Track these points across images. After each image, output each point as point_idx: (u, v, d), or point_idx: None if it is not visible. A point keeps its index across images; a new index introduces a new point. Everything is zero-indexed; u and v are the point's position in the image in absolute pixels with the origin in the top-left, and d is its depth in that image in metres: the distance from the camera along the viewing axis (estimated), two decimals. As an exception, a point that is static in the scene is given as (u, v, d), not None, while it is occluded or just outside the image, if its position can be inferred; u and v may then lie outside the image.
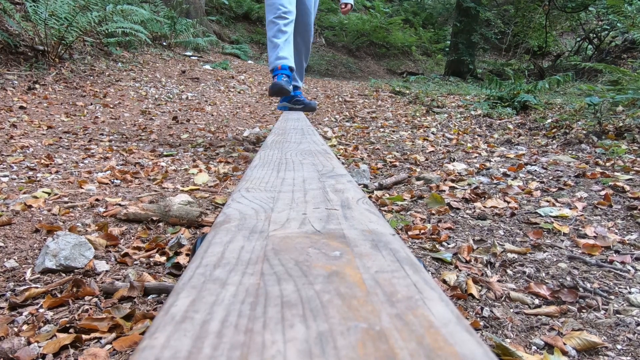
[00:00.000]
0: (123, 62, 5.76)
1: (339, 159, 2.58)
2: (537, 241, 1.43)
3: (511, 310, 1.04)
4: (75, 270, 1.17)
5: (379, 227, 0.47)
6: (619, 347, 0.90)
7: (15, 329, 0.92)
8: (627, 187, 1.93)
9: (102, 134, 3.27)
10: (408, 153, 2.88)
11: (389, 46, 12.47)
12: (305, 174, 0.80)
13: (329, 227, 0.46)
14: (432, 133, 3.65)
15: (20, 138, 2.88)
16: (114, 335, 0.90)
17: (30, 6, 4.44)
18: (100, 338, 0.90)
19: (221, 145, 3.13)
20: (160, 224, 1.53)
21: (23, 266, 1.19)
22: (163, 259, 1.26)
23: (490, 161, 2.63)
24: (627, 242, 1.42)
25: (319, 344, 0.24)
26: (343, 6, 3.03)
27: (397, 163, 2.58)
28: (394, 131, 3.75)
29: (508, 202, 1.82)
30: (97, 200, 1.74)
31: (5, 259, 1.21)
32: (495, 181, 2.17)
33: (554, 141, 3.20)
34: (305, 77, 8.73)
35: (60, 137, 3.03)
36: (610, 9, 5.50)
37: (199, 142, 3.18)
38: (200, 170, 2.32)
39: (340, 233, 0.44)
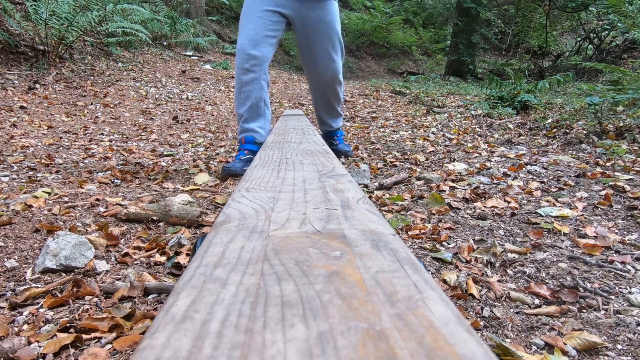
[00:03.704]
0: (123, 61, 5.76)
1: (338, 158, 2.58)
2: (538, 241, 1.43)
3: (511, 310, 1.04)
4: (76, 270, 1.17)
5: (379, 227, 0.47)
6: (619, 347, 0.90)
7: (16, 329, 0.93)
8: (628, 187, 1.93)
9: (102, 134, 3.27)
10: (408, 153, 2.88)
11: (389, 46, 12.46)
12: (305, 173, 0.80)
13: (329, 227, 0.46)
14: (433, 133, 3.65)
15: (21, 138, 2.88)
16: (114, 335, 0.90)
17: (31, 6, 4.44)
18: (101, 338, 0.90)
19: (221, 145, 3.13)
20: (161, 223, 1.53)
21: (23, 266, 1.19)
22: (163, 258, 1.26)
23: (490, 161, 2.63)
24: (628, 242, 1.42)
25: (319, 344, 0.24)
26: None
27: (398, 163, 2.58)
28: (394, 131, 3.75)
29: (508, 202, 1.82)
30: (97, 200, 1.74)
31: (6, 259, 1.21)
32: (495, 181, 2.17)
33: (554, 141, 3.20)
34: (305, 77, 8.73)
35: (61, 137, 3.03)
36: (610, 8, 5.50)
37: (199, 142, 3.18)
38: (201, 170, 2.32)
39: (341, 233, 0.44)
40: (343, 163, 2.51)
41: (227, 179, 2.06)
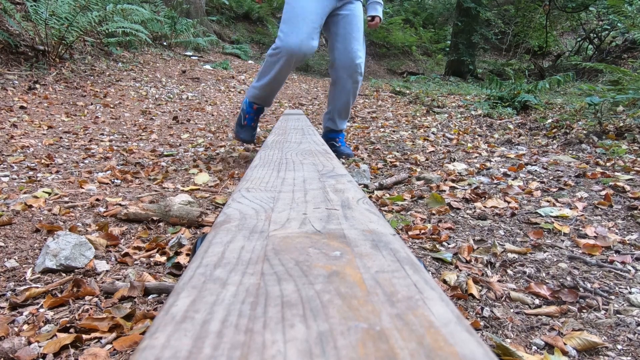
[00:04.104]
0: (123, 62, 5.76)
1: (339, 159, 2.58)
2: (538, 241, 1.43)
3: (511, 310, 1.04)
4: (76, 270, 1.17)
5: (379, 227, 0.47)
6: (619, 347, 0.90)
7: (16, 329, 0.93)
8: (628, 187, 1.93)
9: (102, 134, 3.27)
10: (408, 153, 2.88)
11: (389, 46, 12.47)
12: (305, 173, 0.80)
13: (329, 227, 0.46)
14: (433, 133, 3.65)
15: (21, 138, 2.88)
16: (114, 335, 0.90)
17: (31, 6, 4.44)
18: (101, 338, 0.90)
19: (221, 145, 3.13)
20: (161, 223, 1.53)
21: (23, 266, 1.19)
22: (163, 258, 1.27)
23: (490, 161, 2.63)
24: (628, 242, 1.42)
25: (320, 344, 0.24)
26: (370, 19, 2.55)
27: (398, 163, 2.58)
28: (394, 131, 3.75)
29: (508, 202, 1.82)
30: (97, 200, 1.74)
31: (6, 259, 1.21)
32: (495, 181, 2.17)
33: (554, 141, 3.20)
34: (306, 77, 8.73)
35: (61, 137, 3.03)
36: (610, 8, 5.50)
37: (199, 142, 3.18)
38: (201, 170, 2.32)
39: (341, 233, 0.44)
40: (343, 163, 2.51)
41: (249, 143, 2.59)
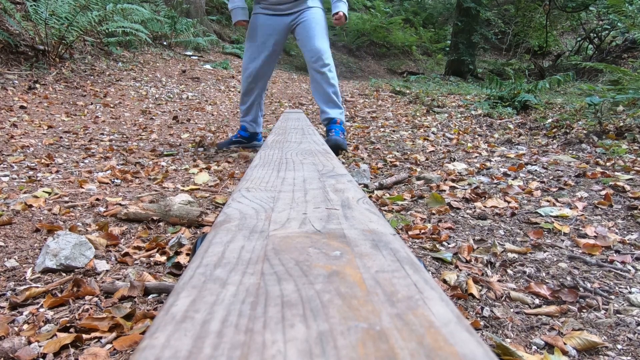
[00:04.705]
0: (123, 61, 5.76)
1: (339, 158, 2.58)
2: (538, 241, 1.43)
3: (511, 310, 1.04)
4: (76, 270, 1.17)
5: (379, 226, 0.47)
6: (619, 347, 0.90)
7: (16, 329, 0.93)
8: (628, 187, 1.93)
9: (102, 134, 3.27)
10: (408, 153, 2.88)
11: (389, 46, 12.47)
12: (305, 173, 0.80)
13: (329, 227, 0.46)
14: (433, 133, 3.65)
15: (21, 138, 2.88)
16: (114, 334, 0.90)
17: (31, 6, 4.44)
18: (101, 337, 0.90)
19: (221, 144, 3.13)
20: (161, 223, 1.53)
21: (23, 266, 1.19)
22: (163, 258, 1.26)
23: (490, 161, 2.63)
24: (628, 241, 1.42)
25: (320, 344, 0.24)
26: (334, 15, 2.66)
27: (398, 163, 2.58)
28: (394, 131, 3.75)
29: (508, 202, 1.82)
30: (97, 199, 1.74)
31: (6, 259, 1.21)
32: (495, 181, 2.17)
33: (554, 141, 3.20)
34: (305, 77, 8.73)
35: (61, 137, 3.03)
36: (610, 8, 5.50)
37: (199, 142, 3.18)
38: (201, 170, 2.32)
39: (341, 233, 0.44)
40: (343, 163, 2.51)
41: (218, 153, 2.85)
